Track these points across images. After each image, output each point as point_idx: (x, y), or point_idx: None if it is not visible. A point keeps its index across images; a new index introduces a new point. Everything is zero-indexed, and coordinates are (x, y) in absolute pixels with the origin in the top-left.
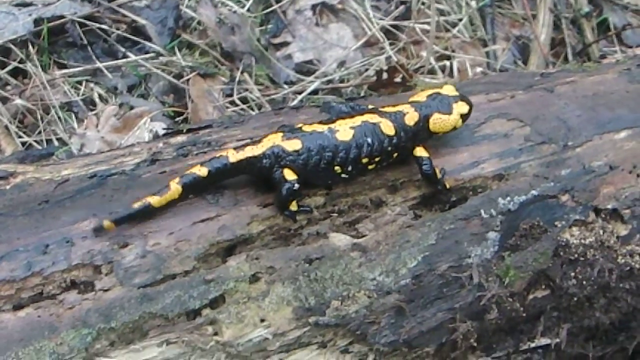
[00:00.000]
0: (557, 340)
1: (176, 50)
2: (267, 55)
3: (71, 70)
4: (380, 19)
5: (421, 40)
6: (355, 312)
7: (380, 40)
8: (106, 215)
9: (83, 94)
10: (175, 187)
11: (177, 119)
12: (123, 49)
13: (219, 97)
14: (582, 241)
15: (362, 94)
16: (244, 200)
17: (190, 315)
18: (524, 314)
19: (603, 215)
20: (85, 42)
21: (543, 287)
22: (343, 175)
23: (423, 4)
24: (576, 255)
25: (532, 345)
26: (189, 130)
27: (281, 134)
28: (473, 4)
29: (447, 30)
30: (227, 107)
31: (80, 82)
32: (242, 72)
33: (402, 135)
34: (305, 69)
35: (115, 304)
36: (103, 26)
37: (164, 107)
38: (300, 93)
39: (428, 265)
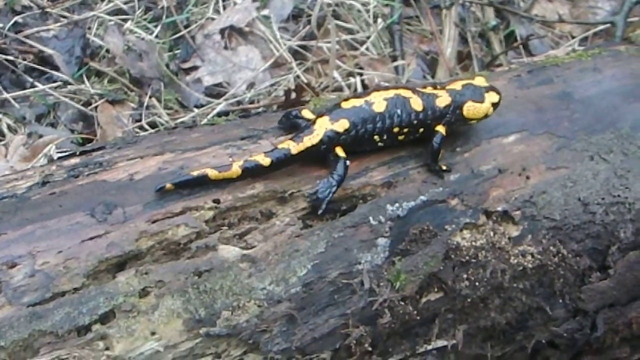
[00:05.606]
0: (454, 341)
1: (84, 78)
2: (176, 80)
3: None
4: (288, 39)
5: (328, 58)
6: (246, 322)
7: (288, 60)
8: None
9: None
10: (236, 169)
11: (87, 145)
12: (31, 79)
13: (128, 123)
14: (473, 243)
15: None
16: (133, 217)
17: (80, 331)
18: (418, 317)
19: (494, 218)
20: None
21: (436, 290)
22: (380, 144)
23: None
24: (468, 258)
25: (429, 347)
26: (82, 153)
27: (327, 117)
28: (380, 21)
29: (356, 49)
30: (137, 132)
31: None
32: (150, 97)
33: (429, 113)
34: (216, 92)
35: (4, 323)
36: (10, 57)
37: (73, 135)
38: (208, 115)
39: (318, 273)
